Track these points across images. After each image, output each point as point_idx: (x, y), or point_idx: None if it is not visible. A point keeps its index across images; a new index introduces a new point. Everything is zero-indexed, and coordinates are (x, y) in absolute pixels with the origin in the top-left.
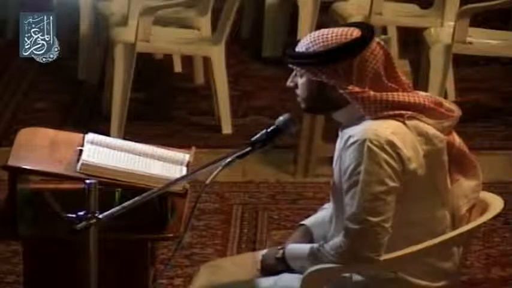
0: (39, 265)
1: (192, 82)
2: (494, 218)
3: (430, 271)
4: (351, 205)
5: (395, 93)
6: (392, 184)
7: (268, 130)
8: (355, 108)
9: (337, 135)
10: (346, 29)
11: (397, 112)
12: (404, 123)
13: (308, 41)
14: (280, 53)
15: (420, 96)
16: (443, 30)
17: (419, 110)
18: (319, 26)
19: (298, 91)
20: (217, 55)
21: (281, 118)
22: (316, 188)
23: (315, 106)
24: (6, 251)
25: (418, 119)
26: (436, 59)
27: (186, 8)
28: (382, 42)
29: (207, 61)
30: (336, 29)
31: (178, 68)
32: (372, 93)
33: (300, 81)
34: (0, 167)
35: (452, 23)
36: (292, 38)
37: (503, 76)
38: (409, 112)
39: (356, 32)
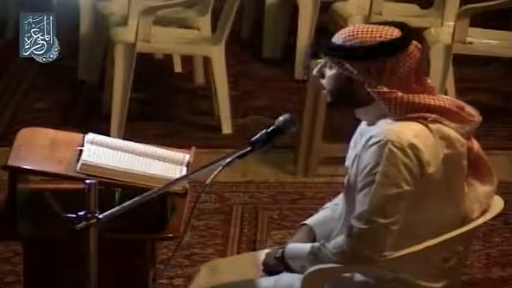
0: (39, 265)
1: (192, 82)
2: (494, 218)
3: (431, 271)
4: (361, 204)
5: (421, 96)
6: (406, 188)
7: (268, 130)
8: (379, 108)
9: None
10: (387, 27)
11: (421, 114)
12: (427, 126)
13: (347, 33)
14: (280, 53)
15: (443, 100)
16: (443, 30)
17: (443, 113)
18: (319, 26)
19: (324, 82)
20: (217, 55)
21: (281, 118)
22: (316, 188)
23: (340, 100)
24: (6, 251)
25: (440, 123)
26: (436, 59)
27: (186, 8)
28: (419, 45)
29: (207, 61)
30: (377, 27)
31: (178, 68)
32: (399, 94)
33: (329, 73)
34: (0, 167)
35: (452, 23)
36: (292, 38)
37: (503, 76)
38: (433, 115)
39: (396, 33)
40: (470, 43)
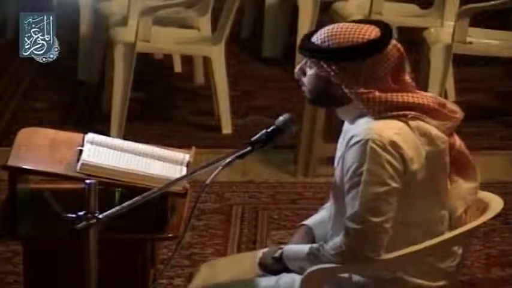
0: (39, 265)
1: (192, 82)
2: (494, 218)
3: (430, 271)
4: (352, 205)
5: (399, 94)
6: (394, 185)
7: (268, 130)
8: (358, 107)
9: (338, 135)
10: (365, 27)
11: (400, 113)
12: (407, 124)
13: (325, 34)
14: (280, 53)
15: (424, 97)
16: (443, 30)
17: (423, 110)
18: (319, 26)
19: (305, 80)
20: (217, 55)
21: (281, 118)
22: (316, 188)
23: (318, 99)
24: (6, 251)
25: (421, 120)
26: (436, 59)
27: (186, 8)
28: (399, 45)
29: (207, 61)
30: (355, 26)
31: (178, 68)
32: (377, 93)
33: (309, 71)
34: (0, 167)
35: (452, 23)
36: (292, 38)
37: (502, 76)
38: (413, 112)
39: (375, 33)
40: (470, 43)
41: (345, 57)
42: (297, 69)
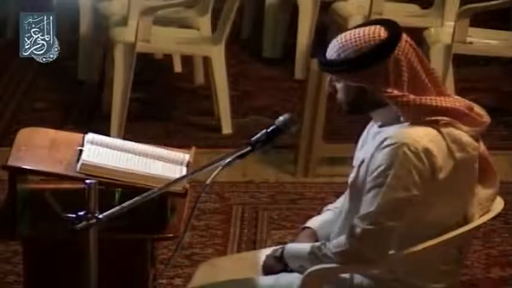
0: (39, 265)
1: (192, 82)
2: (494, 218)
3: (430, 271)
4: (368, 204)
5: (433, 98)
6: (415, 192)
7: (268, 130)
8: (393, 110)
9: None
10: (372, 29)
11: (433, 118)
12: (440, 131)
13: (337, 46)
14: (280, 53)
15: (455, 101)
16: (443, 30)
17: (454, 115)
18: (319, 26)
19: (339, 95)
20: (217, 55)
21: (281, 118)
22: (316, 188)
23: (357, 109)
24: (6, 251)
25: (452, 126)
26: (436, 59)
27: (186, 8)
28: (408, 38)
29: (207, 61)
30: (362, 30)
31: (178, 68)
32: (411, 97)
33: (338, 85)
34: (0, 167)
35: (452, 23)
36: (292, 38)
37: (503, 76)
38: (445, 118)
39: (383, 32)
40: (470, 43)
41: (366, 63)
42: (327, 87)
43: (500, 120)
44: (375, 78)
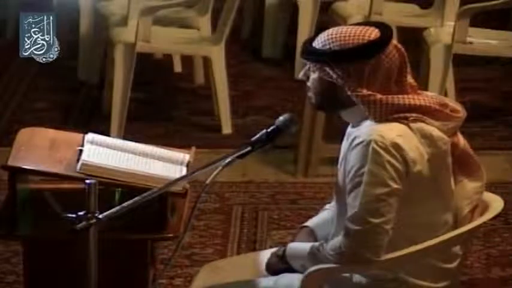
0: (39, 265)
1: (192, 82)
2: (494, 218)
3: (430, 271)
4: (353, 206)
5: (400, 96)
6: (395, 186)
7: (268, 130)
8: (361, 109)
9: (340, 135)
10: (365, 29)
11: (401, 115)
12: (409, 126)
13: (326, 37)
14: (280, 53)
15: (425, 98)
16: (443, 30)
17: (424, 112)
18: (319, 26)
19: (309, 85)
20: (217, 55)
21: (281, 118)
22: (316, 188)
23: (323, 103)
24: (6, 251)
25: (422, 121)
26: (436, 59)
27: (186, 8)
28: (399, 45)
29: (207, 61)
30: (355, 28)
31: (178, 68)
32: (378, 96)
33: (313, 76)
34: (0, 167)
35: (452, 23)
36: (292, 38)
37: (503, 76)
38: (414, 114)
39: (375, 34)
40: (470, 43)
41: (347, 59)
42: (301, 75)
43: (500, 120)
44: (350, 76)
